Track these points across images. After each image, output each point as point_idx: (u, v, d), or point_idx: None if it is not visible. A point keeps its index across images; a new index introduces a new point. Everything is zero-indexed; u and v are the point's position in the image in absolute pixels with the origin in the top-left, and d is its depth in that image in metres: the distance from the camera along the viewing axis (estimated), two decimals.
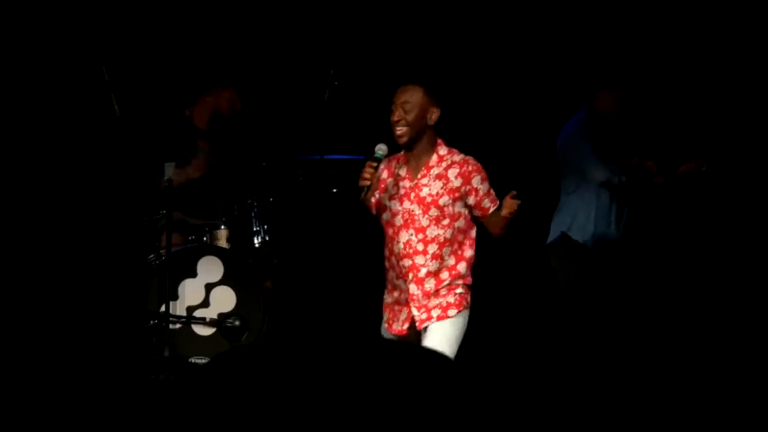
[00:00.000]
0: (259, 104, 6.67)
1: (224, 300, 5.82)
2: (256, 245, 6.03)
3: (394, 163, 4.58)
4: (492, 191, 4.51)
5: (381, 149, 4.45)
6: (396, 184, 4.53)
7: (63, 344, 5.64)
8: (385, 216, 4.55)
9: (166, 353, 5.50)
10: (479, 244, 4.55)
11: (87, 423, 4.53)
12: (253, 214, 6.04)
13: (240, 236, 6.02)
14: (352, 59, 6.47)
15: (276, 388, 2.02)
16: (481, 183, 4.47)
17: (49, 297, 5.88)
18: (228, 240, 5.98)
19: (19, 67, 6.26)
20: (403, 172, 4.53)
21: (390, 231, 4.51)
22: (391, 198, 4.52)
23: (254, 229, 6.05)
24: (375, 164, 4.42)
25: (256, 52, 6.77)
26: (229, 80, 6.24)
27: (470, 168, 4.47)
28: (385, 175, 4.55)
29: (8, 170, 5.05)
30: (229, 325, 5.76)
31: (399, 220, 4.46)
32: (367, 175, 4.40)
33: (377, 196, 4.56)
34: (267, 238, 6.04)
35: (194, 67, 6.46)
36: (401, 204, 4.48)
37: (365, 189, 4.43)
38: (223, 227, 6.00)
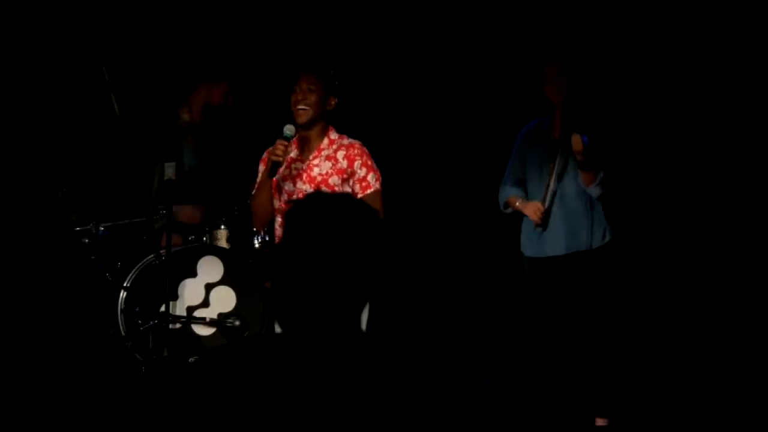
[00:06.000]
0: (258, 104, 6.67)
1: (224, 300, 5.83)
2: (256, 245, 6.03)
3: None
4: (371, 175, 4.73)
5: (289, 129, 4.69)
6: (288, 166, 4.78)
7: (51, 343, 5.65)
8: (282, 197, 4.79)
9: (166, 353, 5.50)
10: (479, 244, 4.54)
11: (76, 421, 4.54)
12: None
13: (240, 236, 6.02)
14: (352, 59, 6.47)
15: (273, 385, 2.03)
16: (360, 167, 4.73)
17: (47, 296, 5.88)
18: (228, 240, 5.99)
19: (20, 66, 6.26)
20: (294, 154, 4.78)
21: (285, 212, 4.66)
22: (284, 179, 4.76)
23: (254, 229, 6.04)
24: (286, 142, 4.67)
25: (254, 52, 6.77)
26: (224, 75, 6.31)
27: (355, 151, 4.74)
28: None
29: (8, 170, 5.05)
30: (229, 325, 5.76)
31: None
32: (279, 152, 4.65)
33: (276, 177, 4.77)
34: (267, 238, 6.04)
35: (193, 67, 6.46)
36: (294, 185, 4.74)
37: (277, 165, 4.67)
38: (223, 227, 6.01)
